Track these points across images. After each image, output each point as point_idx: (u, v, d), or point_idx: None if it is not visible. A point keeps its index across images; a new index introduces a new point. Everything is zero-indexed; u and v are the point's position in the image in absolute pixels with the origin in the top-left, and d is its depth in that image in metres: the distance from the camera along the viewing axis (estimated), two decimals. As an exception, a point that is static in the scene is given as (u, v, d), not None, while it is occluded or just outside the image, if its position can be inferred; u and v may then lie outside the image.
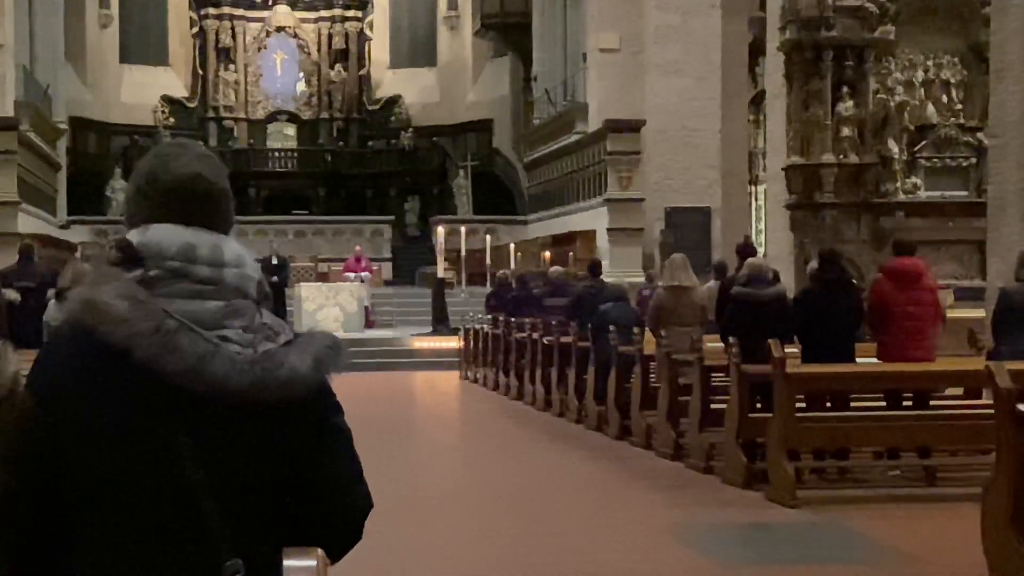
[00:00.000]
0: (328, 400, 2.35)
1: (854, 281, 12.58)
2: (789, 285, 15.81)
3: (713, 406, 11.82)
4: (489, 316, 21.97)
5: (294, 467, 2.28)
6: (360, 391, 20.63)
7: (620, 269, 26.15)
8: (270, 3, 46.59)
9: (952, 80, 21.35)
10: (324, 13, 46.66)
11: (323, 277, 32.60)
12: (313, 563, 2.44)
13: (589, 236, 29.31)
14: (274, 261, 29.82)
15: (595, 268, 17.53)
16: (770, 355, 10.21)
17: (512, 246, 32.23)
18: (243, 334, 2.22)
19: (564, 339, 16.42)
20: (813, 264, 12.71)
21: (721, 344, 11.57)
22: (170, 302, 2.19)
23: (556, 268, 21.50)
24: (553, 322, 17.00)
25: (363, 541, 7.74)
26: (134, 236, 2.27)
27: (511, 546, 8.76)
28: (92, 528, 2.20)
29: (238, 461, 2.22)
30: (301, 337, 2.30)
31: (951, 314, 14.38)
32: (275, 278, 29.31)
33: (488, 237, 33.14)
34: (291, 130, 46.84)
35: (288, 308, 28.86)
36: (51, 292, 14.55)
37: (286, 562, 2.41)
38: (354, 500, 2.39)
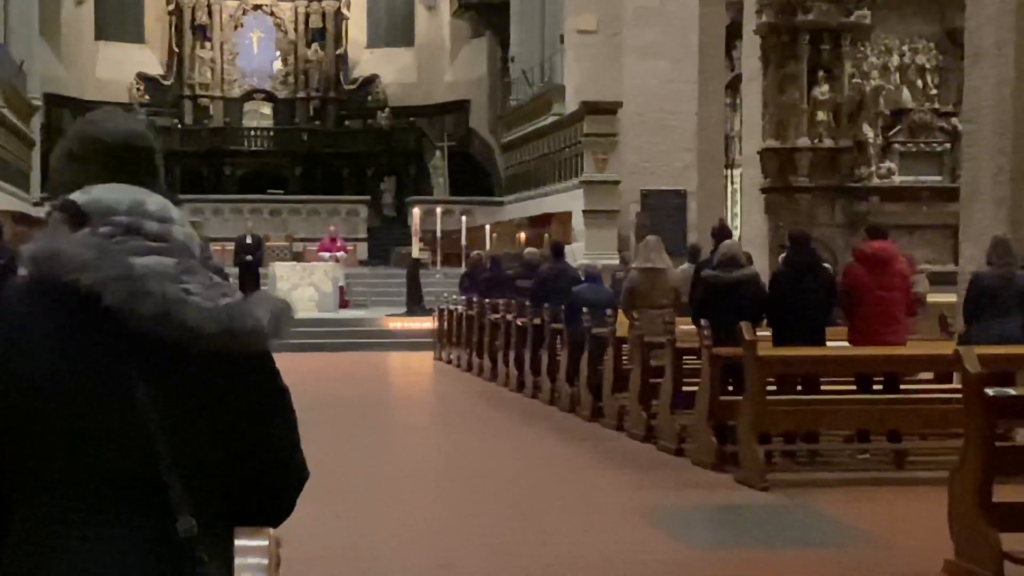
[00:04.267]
0: (272, 362, 2.31)
1: (825, 264, 12.60)
2: (764, 268, 15.83)
3: (685, 388, 11.83)
4: (463, 297, 21.96)
5: (249, 422, 2.25)
6: (334, 371, 20.64)
7: (596, 251, 26.16)
8: (247, -19, 46.42)
9: (927, 65, 21.40)
10: (301, -9, 46.51)
11: (298, 257, 32.51)
12: (265, 542, 2.42)
13: (565, 218, 29.31)
14: (249, 240, 29.82)
15: (557, 250, 17.49)
16: (741, 338, 10.22)
17: (488, 227, 32.20)
18: (203, 289, 2.20)
19: (537, 320, 16.41)
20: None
21: (694, 326, 11.58)
22: (127, 257, 2.17)
23: (530, 249, 21.47)
24: (527, 303, 16.98)
25: (332, 521, 7.68)
26: (78, 196, 2.24)
27: (480, 527, 8.77)
28: (46, 481, 2.16)
29: (196, 415, 2.19)
30: (254, 296, 2.27)
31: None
32: (250, 257, 29.35)
33: (464, 218, 33.10)
34: (267, 109, 46.70)
35: (263, 287, 28.82)
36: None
37: (237, 542, 2.39)
38: (294, 467, 2.36)
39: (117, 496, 2.16)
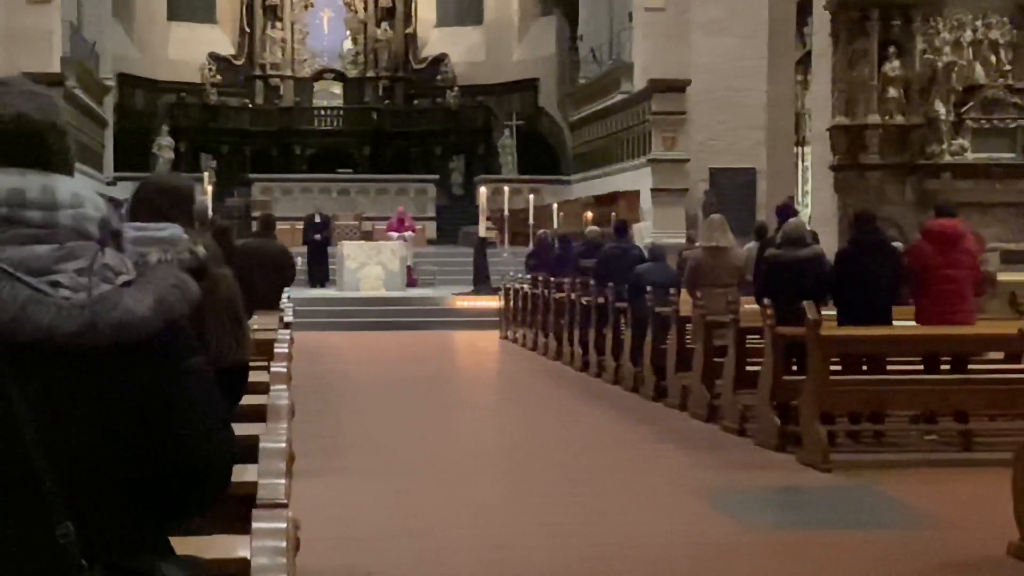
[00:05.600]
0: (179, 342, 2.22)
1: (895, 243, 12.42)
2: (833, 247, 15.65)
3: (748, 368, 11.71)
4: (528, 276, 21.91)
5: (138, 415, 2.16)
6: (400, 350, 20.68)
7: (664, 230, 26.03)
8: (317, -40, 46.52)
9: (1001, 40, 21.02)
10: (371, -30, 46.54)
11: (367, 235, 32.61)
12: (282, 525, 2.38)
13: (633, 196, 29.19)
14: (317, 219, 29.97)
15: (621, 229, 17.38)
16: (804, 317, 10.09)
17: (555, 206, 32.13)
18: (76, 277, 2.12)
19: (600, 299, 16.34)
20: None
21: (757, 306, 11.46)
22: (2, 250, 2.11)
23: (593, 228, 21.35)
24: (591, 282, 16.91)
25: (388, 499, 7.67)
26: None
27: (537, 507, 8.72)
28: None
29: (74, 414, 2.11)
30: (144, 276, 2.19)
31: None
32: (318, 236, 29.51)
33: (531, 197, 33.03)
34: (337, 88, 46.79)
35: (331, 266, 28.98)
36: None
37: (255, 524, 2.35)
38: (213, 448, 2.26)
39: None
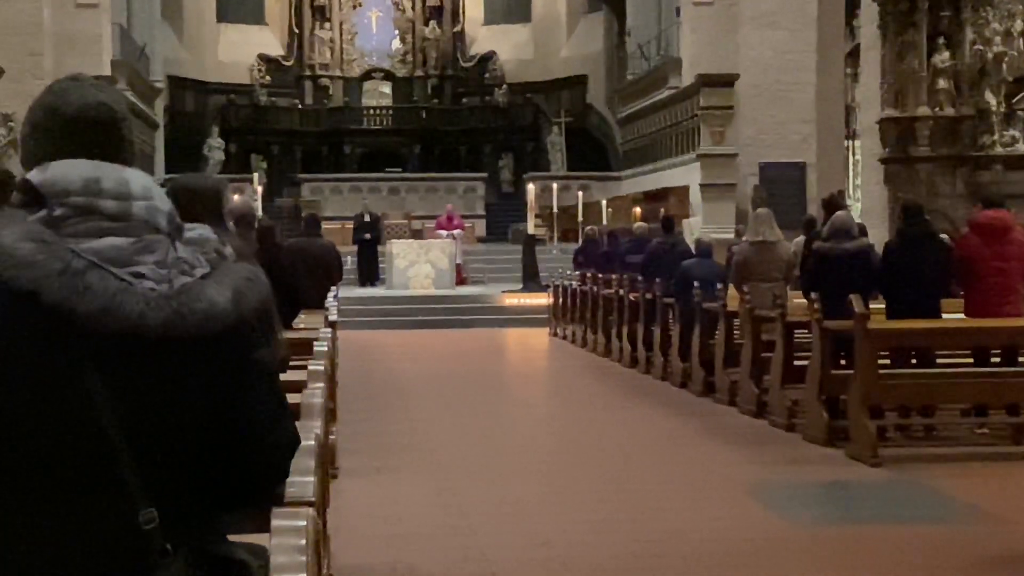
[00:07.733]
0: (249, 334, 2.25)
1: (943, 235, 12.31)
2: (883, 240, 15.54)
3: (796, 363, 11.64)
4: (577, 272, 21.88)
5: (213, 405, 2.19)
6: (449, 348, 20.70)
7: (714, 225, 25.93)
8: (365, -40, 46.63)
9: (1052, 30, 20.78)
10: (418, -31, 46.62)
11: (416, 234, 32.65)
12: (302, 523, 2.38)
13: (682, 192, 29.10)
14: (366, 218, 30.05)
15: (668, 225, 17.34)
16: (851, 311, 10.02)
17: (604, 202, 32.04)
18: (157, 270, 2.15)
19: (648, 295, 16.29)
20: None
21: (805, 300, 11.40)
22: (78, 241, 2.12)
23: (640, 224, 21.28)
24: (639, 278, 16.87)
25: (434, 497, 7.67)
26: (34, 176, 2.20)
27: (583, 503, 8.71)
28: (5, 475, 2.11)
29: (155, 403, 2.14)
30: (218, 270, 2.22)
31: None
32: (367, 235, 29.59)
33: (580, 193, 32.97)
34: (386, 88, 46.89)
35: (380, 265, 29.05)
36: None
37: (274, 522, 2.35)
38: (277, 438, 2.29)
39: (78, 488, 2.11)
